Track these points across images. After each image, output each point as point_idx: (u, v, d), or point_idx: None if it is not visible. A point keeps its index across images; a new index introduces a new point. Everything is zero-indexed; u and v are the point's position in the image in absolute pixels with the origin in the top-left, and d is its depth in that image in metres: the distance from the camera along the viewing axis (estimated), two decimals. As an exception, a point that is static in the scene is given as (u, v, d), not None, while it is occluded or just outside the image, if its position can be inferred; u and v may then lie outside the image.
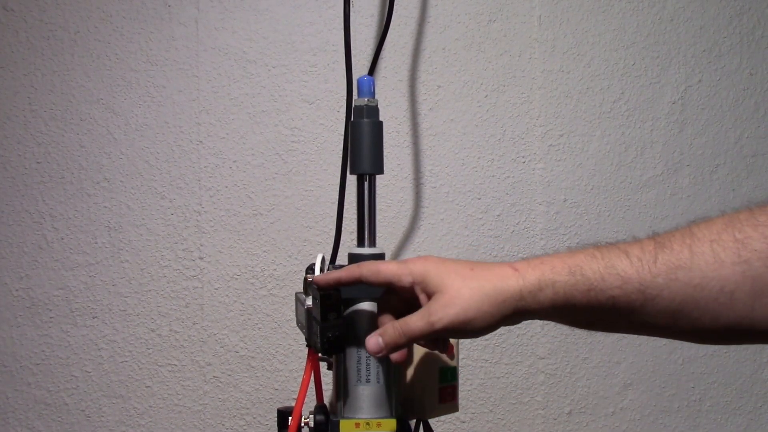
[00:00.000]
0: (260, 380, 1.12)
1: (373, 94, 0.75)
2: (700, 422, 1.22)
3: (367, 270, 0.63)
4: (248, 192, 1.12)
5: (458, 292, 0.58)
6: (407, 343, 0.61)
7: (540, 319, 0.60)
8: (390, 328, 0.61)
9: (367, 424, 0.69)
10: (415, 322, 0.60)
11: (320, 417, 0.70)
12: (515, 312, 0.58)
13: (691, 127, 1.22)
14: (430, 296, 0.60)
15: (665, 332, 0.58)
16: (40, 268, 1.10)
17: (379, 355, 0.62)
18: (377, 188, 0.76)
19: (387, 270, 0.62)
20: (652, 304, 0.55)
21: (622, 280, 0.55)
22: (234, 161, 1.11)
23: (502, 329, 1.18)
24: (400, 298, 0.65)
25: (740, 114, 1.23)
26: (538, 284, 0.57)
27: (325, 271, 0.72)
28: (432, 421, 0.75)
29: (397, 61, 1.14)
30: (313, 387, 0.75)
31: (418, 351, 0.74)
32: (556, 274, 0.57)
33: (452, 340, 0.75)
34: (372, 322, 0.69)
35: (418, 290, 0.61)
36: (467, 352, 1.16)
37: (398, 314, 0.64)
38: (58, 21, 1.09)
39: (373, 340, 0.62)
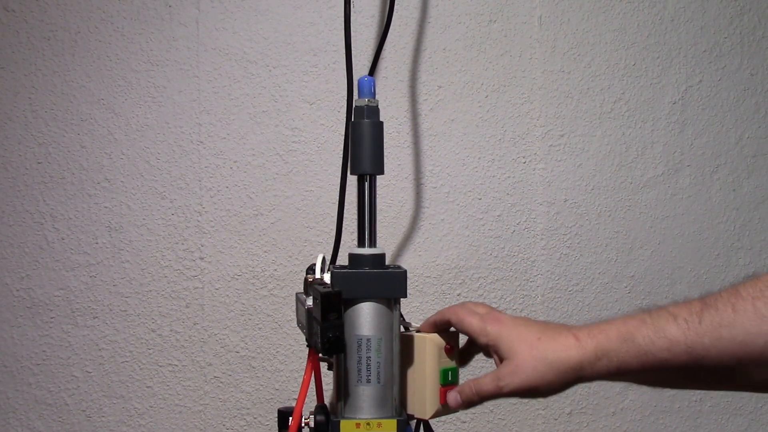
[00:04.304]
0: (261, 380, 1.12)
1: (373, 95, 0.75)
2: (701, 423, 1.22)
3: (455, 317, 0.72)
4: (249, 192, 1.12)
5: (524, 362, 0.65)
6: (480, 401, 0.69)
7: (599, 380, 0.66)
8: (466, 387, 0.70)
9: (368, 424, 0.69)
10: (486, 384, 0.67)
11: (320, 417, 0.70)
12: (575, 379, 0.64)
13: (692, 127, 1.22)
14: (501, 359, 0.67)
15: (729, 386, 0.61)
16: (41, 268, 1.10)
17: (459, 409, 0.72)
18: (378, 188, 0.76)
19: (469, 325, 0.70)
20: (701, 364, 0.58)
21: (670, 342, 0.59)
22: (235, 161, 1.11)
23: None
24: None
25: (741, 114, 1.23)
26: (595, 354, 0.63)
27: (326, 271, 0.72)
28: (432, 422, 0.75)
29: (398, 61, 1.14)
30: (314, 387, 0.75)
31: (419, 351, 0.74)
32: (610, 342, 0.62)
33: (452, 341, 0.75)
34: (372, 322, 0.69)
35: (491, 351, 0.69)
36: (468, 352, 1.16)
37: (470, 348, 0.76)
38: (59, 21, 1.09)
39: (452, 396, 0.71)
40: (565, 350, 0.64)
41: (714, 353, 0.57)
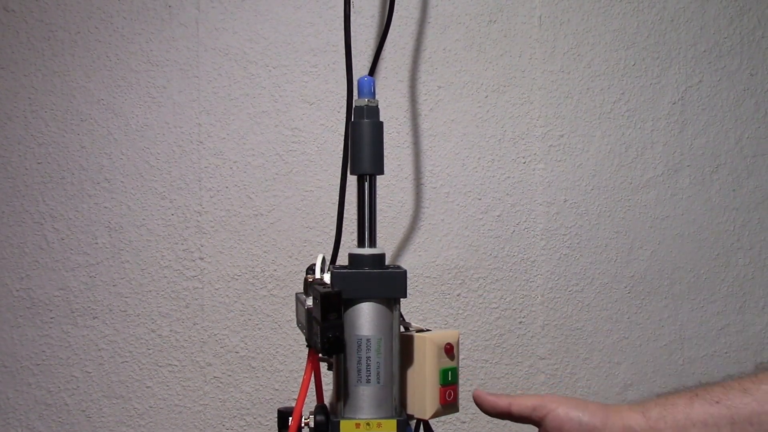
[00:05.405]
0: (260, 380, 1.12)
1: (373, 95, 0.75)
2: (701, 423, 1.22)
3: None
4: (249, 192, 1.12)
5: None
6: None
7: None
8: None
9: (368, 424, 0.69)
10: None
11: (320, 417, 0.70)
12: None
13: (692, 127, 1.22)
14: None
15: None
16: (41, 268, 1.10)
17: None
18: (377, 189, 0.76)
19: None
20: None
21: None
22: (234, 162, 1.12)
23: (502, 329, 1.18)
24: None
25: (741, 114, 1.23)
26: None
27: (326, 271, 0.72)
28: (432, 422, 0.75)
29: (398, 61, 1.14)
30: (314, 387, 0.75)
31: (418, 351, 0.74)
32: None
33: (452, 341, 0.75)
34: (372, 322, 0.69)
35: None
36: (468, 352, 1.16)
37: None
38: (59, 22, 1.09)
39: None
40: None
41: None
